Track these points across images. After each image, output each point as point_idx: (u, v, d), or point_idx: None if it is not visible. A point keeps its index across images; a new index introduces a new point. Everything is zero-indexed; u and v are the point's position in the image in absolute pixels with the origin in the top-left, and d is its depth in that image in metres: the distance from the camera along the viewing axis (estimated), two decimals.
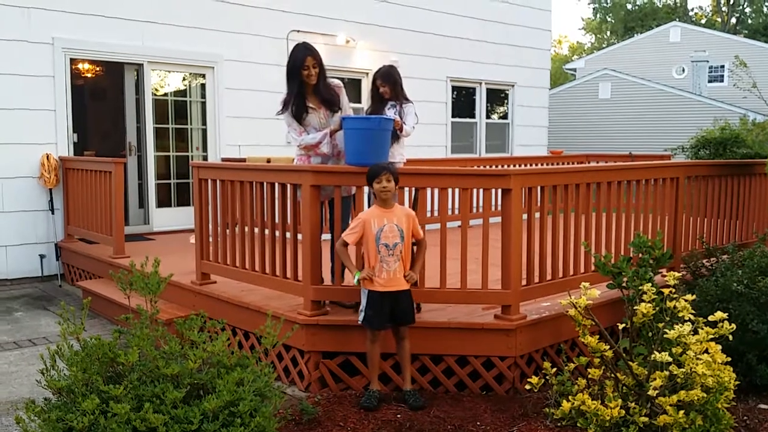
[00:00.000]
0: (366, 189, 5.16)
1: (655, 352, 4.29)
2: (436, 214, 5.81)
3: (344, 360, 5.15)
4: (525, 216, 5.13)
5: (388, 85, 5.79)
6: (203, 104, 10.21)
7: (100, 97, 12.31)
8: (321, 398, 4.88)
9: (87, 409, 3.11)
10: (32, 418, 3.25)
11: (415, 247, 4.95)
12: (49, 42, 8.70)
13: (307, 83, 5.43)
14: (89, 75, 11.64)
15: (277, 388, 3.71)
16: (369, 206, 5.64)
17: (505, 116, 14.18)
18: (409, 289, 4.81)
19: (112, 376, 3.46)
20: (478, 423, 4.52)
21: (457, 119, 13.18)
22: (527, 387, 4.77)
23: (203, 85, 10.17)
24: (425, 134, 11.77)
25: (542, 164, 11.48)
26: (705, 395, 4.21)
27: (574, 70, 34.43)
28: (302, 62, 5.36)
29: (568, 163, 11.54)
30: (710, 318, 4.47)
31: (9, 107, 8.48)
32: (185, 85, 10.38)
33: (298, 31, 10.52)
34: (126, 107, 9.90)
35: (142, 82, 9.62)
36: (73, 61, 9.15)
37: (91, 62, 10.89)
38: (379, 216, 4.76)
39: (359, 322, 4.82)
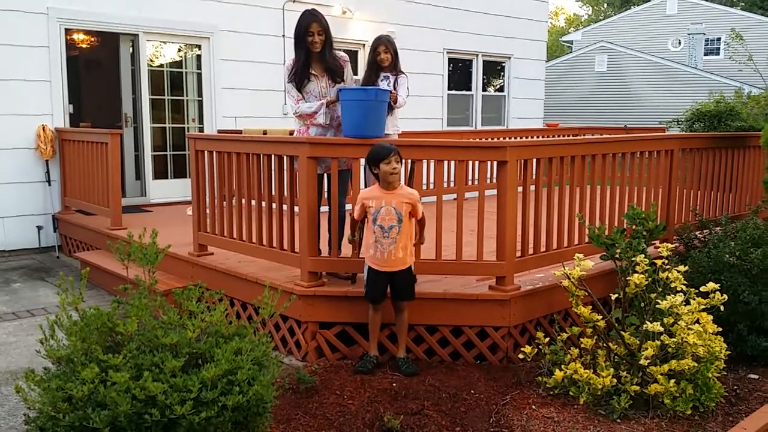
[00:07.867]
0: (362, 161, 5.16)
1: (647, 322, 4.35)
2: (431, 186, 5.82)
3: (341, 330, 5.20)
4: (520, 188, 5.16)
5: (390, 53, 5.75)
6: (199, 75, 10.16)
7: (95, 68, 12.23)
8: (318, 367, 4.94)
9: (86, 378, 3.13)
10: (32, 387, 3.27)
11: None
12: (44, 12, 8.63)
13: (311, 50, 5.42)
14: (84, 46, 11.55)
15: (274, 358, 3.74)
16: (365, 177, 5.66)
17: (501, 89, 14.15)
18: (409, 268, 4.84)
19: (111, 346, 3.48)
20: (472, 391, 4.58)
21: (453, 92, 13.14)
22: (520, 356, 4.83)
23: (199, 56, 10.12)
24: (421, 107, 11.76)
25: (538, 137, 11.48)
26: (696, 365, 4.28)
27: (571, 42, 34.26)
28: (306, 29, 5.35)
29: (563, 136, 11.54)
30: (702, 289, 4.53)
31: (4, 78, 8.44)
32: (181, 56, 10.33)
33: (294, 1, 10.45)
34: (122, 78, 9.83)
35: (137, 52, 9.57)
36: (68, 32, 9.08)
37: (86, 33, 10.82)
38: (378, 197, 4.75)
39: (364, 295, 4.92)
